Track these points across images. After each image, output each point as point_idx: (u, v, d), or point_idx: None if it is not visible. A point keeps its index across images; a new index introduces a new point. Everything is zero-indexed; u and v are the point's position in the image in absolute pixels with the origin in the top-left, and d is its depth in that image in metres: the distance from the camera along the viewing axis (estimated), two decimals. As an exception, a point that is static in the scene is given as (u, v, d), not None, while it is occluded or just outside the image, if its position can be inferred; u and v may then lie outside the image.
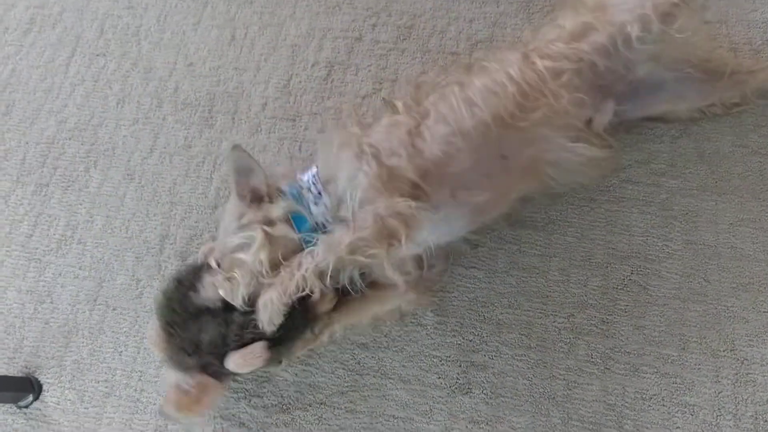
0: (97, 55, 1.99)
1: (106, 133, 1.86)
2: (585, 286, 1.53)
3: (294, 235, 1.33)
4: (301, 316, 1.31)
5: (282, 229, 1.33)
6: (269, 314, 1.23)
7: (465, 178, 1.35)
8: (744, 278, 1.50)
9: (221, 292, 1.29)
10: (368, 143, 1.33)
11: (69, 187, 1.80)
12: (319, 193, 1.35)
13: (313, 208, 1.36)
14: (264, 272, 1.28)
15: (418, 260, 1.43)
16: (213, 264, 1.35)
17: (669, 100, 1.57)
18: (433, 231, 1.37)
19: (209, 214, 1.70)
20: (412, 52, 1.86)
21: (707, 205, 1.57)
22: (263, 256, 1.29)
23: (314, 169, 1.39)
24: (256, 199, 1.36)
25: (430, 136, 1.33)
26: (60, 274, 1.68)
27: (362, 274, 1.35)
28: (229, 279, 1.28)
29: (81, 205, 1.77)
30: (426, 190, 1.31)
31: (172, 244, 1.69)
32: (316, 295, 1.27)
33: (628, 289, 1.51)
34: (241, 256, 1.31)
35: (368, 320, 1.48)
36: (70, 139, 1.87)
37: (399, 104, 1.40)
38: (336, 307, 1.41)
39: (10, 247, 1.73)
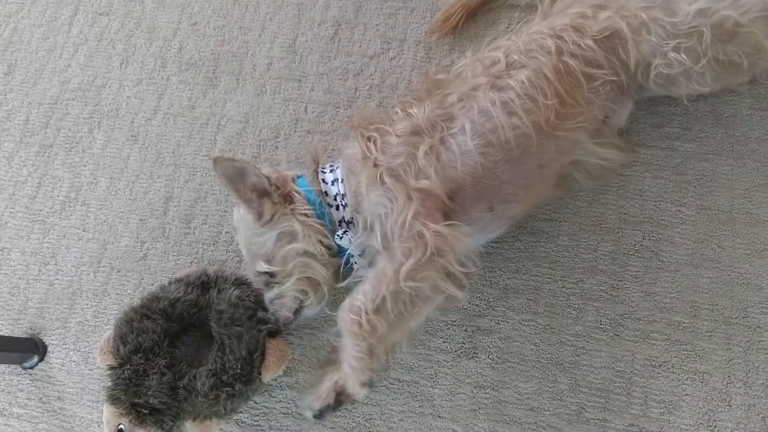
0: (100, 14, 1.96)
1: (110, 93, 1.84)
2: (595, 251, 1.50)
3: (319, 224, 1.36)
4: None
5: (310, 219, 1.36)
6: (355, 379, 1.22)
7: (503, 191, 1.32)
8: (759, 244, 1.46)
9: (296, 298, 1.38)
10: (391, 168, 1.29)
11: (73, 148, 1.78)
12: (343, 205, 1.36)
13: (333, 212, 1.37)
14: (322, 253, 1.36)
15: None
16: (263, 267, 1.36)
17: (678, 89, 1.49)
18: (471, 242, 1.36)
19: (213, 177, 1.68)
20: (422, 11, 1.81)
21: (723, 169, 1.53)
22: (313, 240, 1.35)
23: (339, 178, 1.38)
24: (262, 194, 1.35)
25: (460, 147, 1.28)
26: (64, 236, 1.67)
27: None
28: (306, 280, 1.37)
29: (85, 166, 1.75)
30: (458, 207, 1.29)
31: (176, 206, 1.67)
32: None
33: (640, 254, 1.48)
34: (293, 246, 1.34)
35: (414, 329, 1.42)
36: (73, 99, 1.84)
37: (416, 111, 1.34)
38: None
39: (14, 209, 1.72)
